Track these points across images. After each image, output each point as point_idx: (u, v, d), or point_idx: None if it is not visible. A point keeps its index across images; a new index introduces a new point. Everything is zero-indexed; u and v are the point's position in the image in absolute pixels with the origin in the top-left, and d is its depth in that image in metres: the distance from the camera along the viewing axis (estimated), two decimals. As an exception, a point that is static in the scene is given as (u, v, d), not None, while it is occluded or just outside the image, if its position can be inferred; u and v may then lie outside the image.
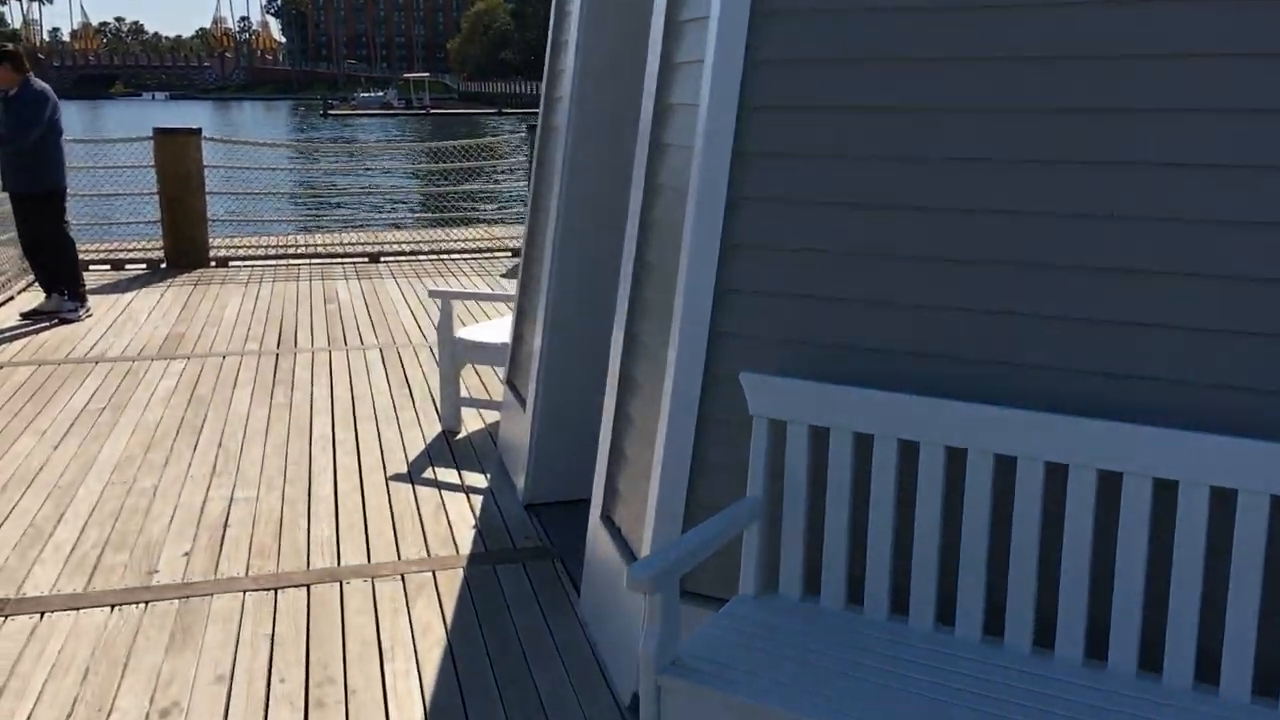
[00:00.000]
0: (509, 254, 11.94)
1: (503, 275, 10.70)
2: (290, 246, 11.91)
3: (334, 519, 4.81)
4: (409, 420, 6.25)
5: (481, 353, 5.80)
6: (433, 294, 5.89)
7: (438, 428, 6.08)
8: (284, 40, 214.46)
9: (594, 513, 3.86)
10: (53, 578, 4.24)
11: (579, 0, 4.59)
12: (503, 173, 15.23)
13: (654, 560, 2.53)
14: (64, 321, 8.65)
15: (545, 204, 5.05)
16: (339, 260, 11.59)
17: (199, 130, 11.20)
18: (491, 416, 6.19)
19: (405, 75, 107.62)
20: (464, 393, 6.31)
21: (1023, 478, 2.58)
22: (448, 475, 5.34)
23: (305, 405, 6.52)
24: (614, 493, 3.79)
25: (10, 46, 8.51)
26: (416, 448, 5.75)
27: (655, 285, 3.50)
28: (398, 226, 12.93)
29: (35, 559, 4.40)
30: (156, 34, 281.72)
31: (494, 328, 6.01)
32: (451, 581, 4.20)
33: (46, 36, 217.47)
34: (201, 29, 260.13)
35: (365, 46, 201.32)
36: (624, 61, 4.49)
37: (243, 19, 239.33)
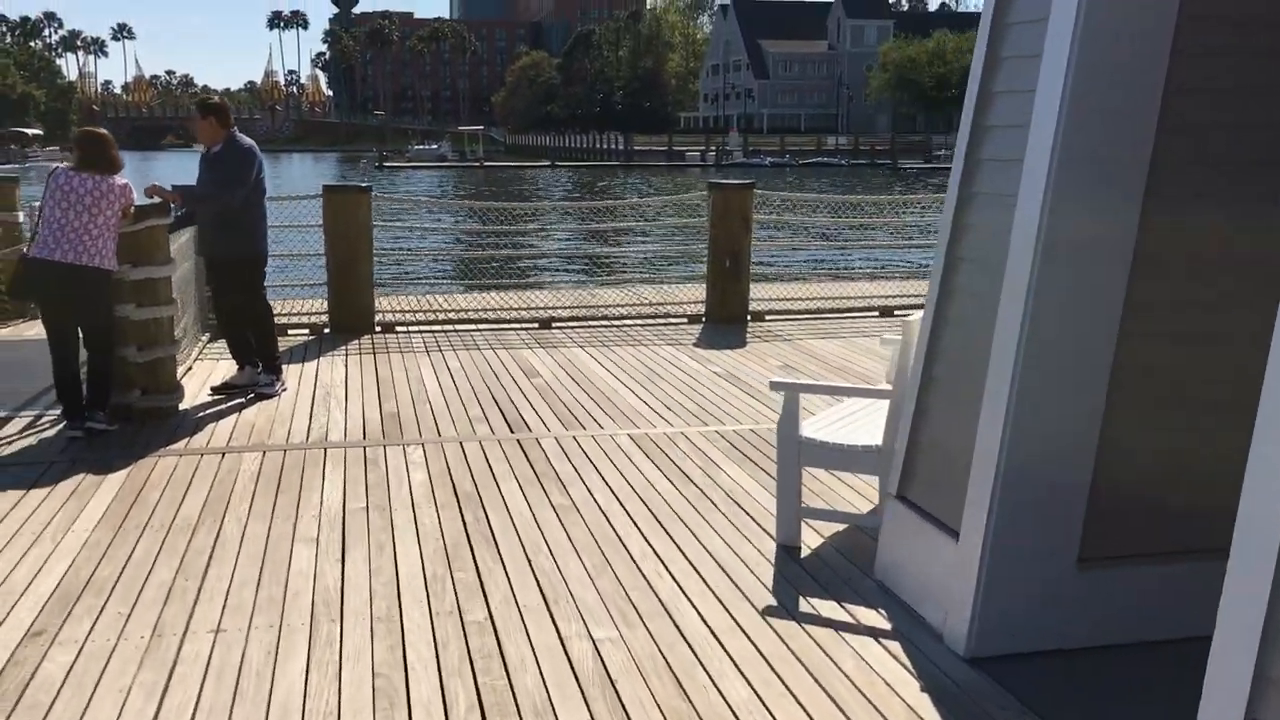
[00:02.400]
0: (685, 319, 11.15)
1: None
2: (453, 311, 11.16)
3: (738, 673, 3.95)
4: (723, 526, 5.40)
5: (837, 457, 4.95)
6: (775, 386, 5.04)
7: (767, 540, 5.22)
8: (331, 93, 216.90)
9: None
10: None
11: (1060, 41, 3.77)
12: (664, 233, 14.53)
13: None
14: (261, 397, 7.90)
15: (977, 282, 4.22)
16: (509, 326, 10.83)
17: (369, 188, 10.50)
18: (824, 525, 5.33)
19: (459, 128, 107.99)
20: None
21: None
22: (827, 609, 4.48)
23: (589, 504, 5.69)
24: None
25: (215, 99, 7.85)
26: (764, 569, 4.89)
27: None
28: (559, 288, 12.20)
29: (407, 726, 3.57)
30: (205, 86, 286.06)
31: (845, 425, 5.17)
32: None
33: (100, 89, 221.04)
34: (250, 82, 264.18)
35: (411, 99, 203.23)
36: (1137, 114, 3.72)
37: (291, 72, 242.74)
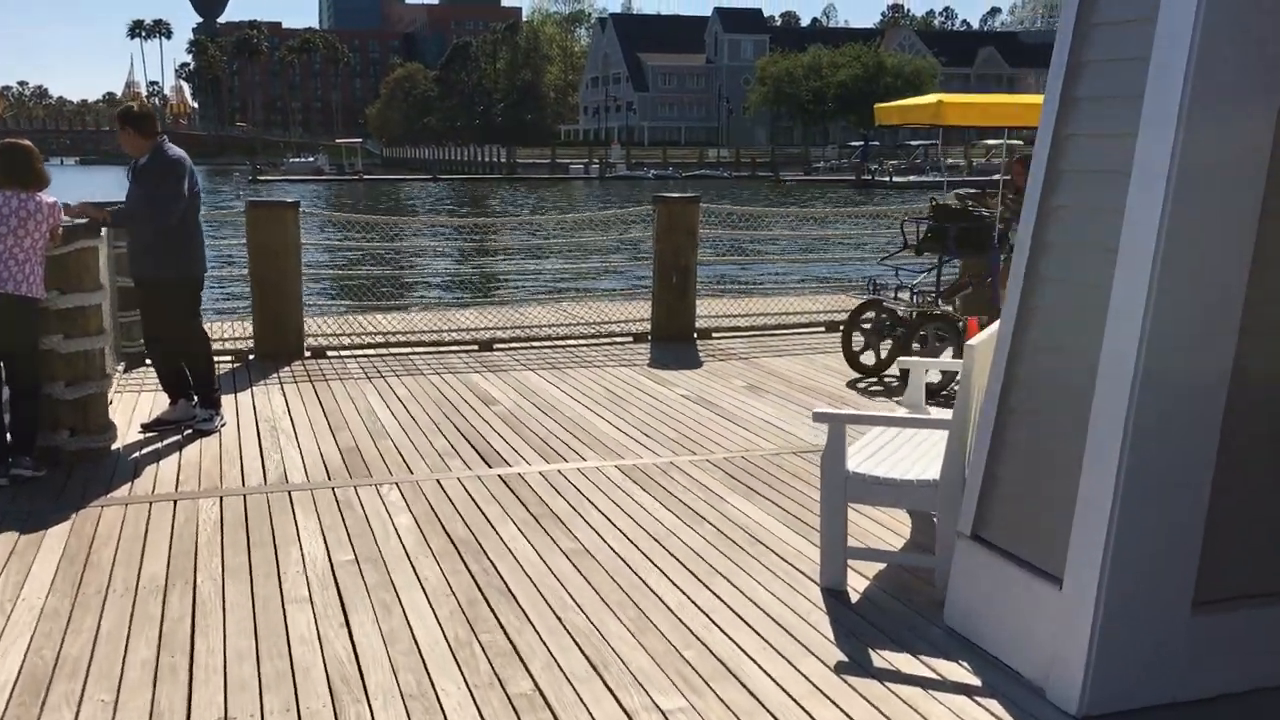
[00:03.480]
0: (630, 338, 10.71)
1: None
2: (386, 334, 10.51)
3: (838, 745, 3.53)
4: (755, 569, 4.96)
5: (889, 492, 4.57)
6: (819, 417, 4.63)
7: (807, 584, 4.81)
8: (196, 105, 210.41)
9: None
10: None
11: (1174, 44, 3.46)
12: (601, 249, 14.03)
13: None
14: (199, 433, 7.20)
15: (1064, 305, 3.89)
16: (448, 349, 10.23)
17: (297, 203, 9.82)
18: (867, 565, 4.94)
19: (336, 140, 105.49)
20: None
21: None
22: (904, 663, 4.10)
23: (602, 548, 5.21)
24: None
25: (136, 106, 7.12)
26: (818, 618, 4.47)
27: None
28: (493, 307, 11.62)
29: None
30: (61, 98, 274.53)
31: (888, 456, 4.79)
32: None
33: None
34: (109, 93, 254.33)
35: (281, 111, 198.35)
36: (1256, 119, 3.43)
37: (153, 83, 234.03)
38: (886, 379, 9.00)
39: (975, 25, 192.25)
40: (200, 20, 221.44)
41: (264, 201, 9.83)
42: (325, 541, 5.32)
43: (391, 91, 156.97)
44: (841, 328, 9.52)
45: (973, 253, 8.74)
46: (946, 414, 4.83)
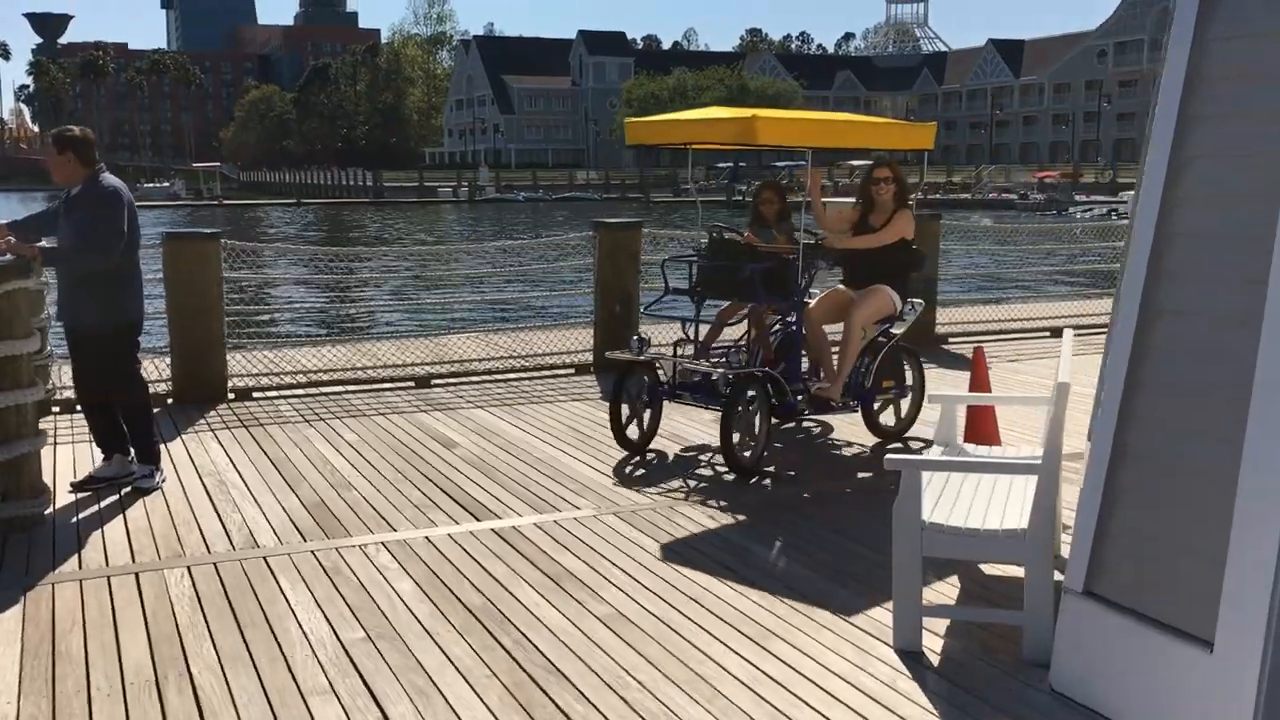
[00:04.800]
0: (572, 369, 10.24)
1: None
2: (312, 372, 9.80)
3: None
4: (815, 629, 4.56)
5: (969, 544, 4.23)
6: (891, 463, 4.26)
7: (878, 645, 4.43)
8: (38, 128, 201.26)
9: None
10: None
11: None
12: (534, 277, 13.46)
13: None
14: (139, 492, 6.48)
15: (1192, 337, 3.60)
16: (383, 386, 9.61)
17: (218, 234, 9.08)
18: (935, 623, 4.59)
19: (193, 165, 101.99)
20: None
21: None
22: (1019, 733, 3.75)
23: (639, 611, 4.75)
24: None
25: (75, 130, 6.39)
26: (907, 685, 4.10)
27: None
28: (421, 340, 10.99)
29: None
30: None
31: (960, 503, 4.45)
32: None
33: None
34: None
35: (129, 135, 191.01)
36: None
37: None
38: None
39: (831, 49, 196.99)
40: (40, 41, 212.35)
41: (183, 233, 9.07)
42: (325, 616, 4.73)
43: (247, 114, 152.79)
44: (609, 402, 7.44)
45: (779, 297, 7.24)
46: (1028, 453, 4.52)
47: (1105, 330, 12.19)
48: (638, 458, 7.29)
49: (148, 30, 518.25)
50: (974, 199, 68.66)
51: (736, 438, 6.77)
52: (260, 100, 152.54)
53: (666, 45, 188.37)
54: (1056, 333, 12.02)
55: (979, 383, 6.21)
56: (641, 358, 7.30)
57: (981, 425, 6.20)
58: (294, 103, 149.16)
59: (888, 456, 4.31)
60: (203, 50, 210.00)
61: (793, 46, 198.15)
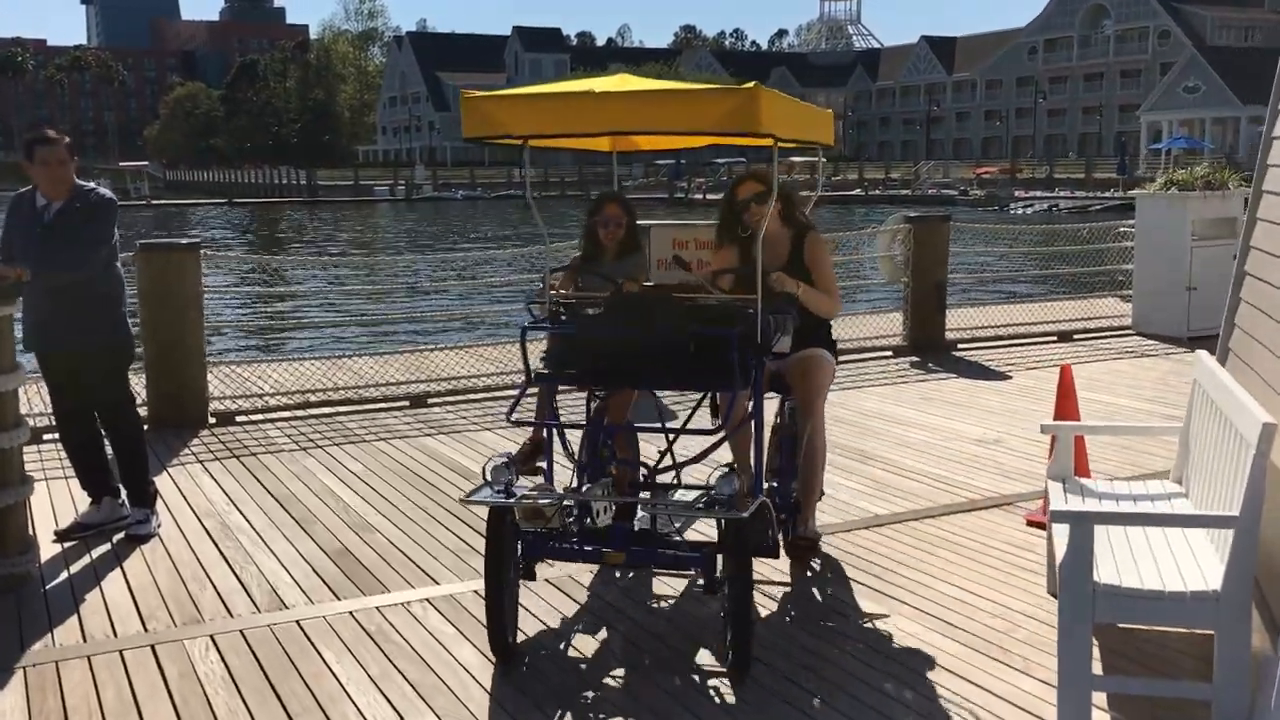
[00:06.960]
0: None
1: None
2: (297, 393, 9.05)
3: None
4: (960, 704, 4.03)
5: (1149, 608, 3.70)
6: (1057, 516, 3.71)
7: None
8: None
9: None
10: None
11: None
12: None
13: None
14: (134, 539, 5.78)
15: None
16: (375, 406, 8.92)
17: (198, 245, 8.35)
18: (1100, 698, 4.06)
19: (119, 164, 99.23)
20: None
21: None
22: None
23: (755, 667, 4.18)
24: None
25: (51, 133, 5.66)
26: (1080, 769, 3.58)
27: None
28: (405, 355, 10.30)
29: None
30: None
31: (1129, 559, 3.92)
32: None
33: None
34: None
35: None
36: None
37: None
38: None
39: (765, 46, 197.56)
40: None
41: (159, 244, 8.31)
42: (384, 695, 4.10)
43: (172, 111, 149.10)
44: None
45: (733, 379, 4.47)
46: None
47: (1109, 334, 11.90)
48: None
49: (67, 25, 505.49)
50: (914, 194, 68.66)
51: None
52: (186, 97, 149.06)
53: (601, 42, 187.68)
54: (1065, 337, 11.64)
55: (1068, 406, 5.68)
56: (513, 502, 4.22)
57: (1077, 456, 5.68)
58: (221, 100, 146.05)
59: (1053, 509, 3.76)
60: (125, 46, 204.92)
61: (727, 43, 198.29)
